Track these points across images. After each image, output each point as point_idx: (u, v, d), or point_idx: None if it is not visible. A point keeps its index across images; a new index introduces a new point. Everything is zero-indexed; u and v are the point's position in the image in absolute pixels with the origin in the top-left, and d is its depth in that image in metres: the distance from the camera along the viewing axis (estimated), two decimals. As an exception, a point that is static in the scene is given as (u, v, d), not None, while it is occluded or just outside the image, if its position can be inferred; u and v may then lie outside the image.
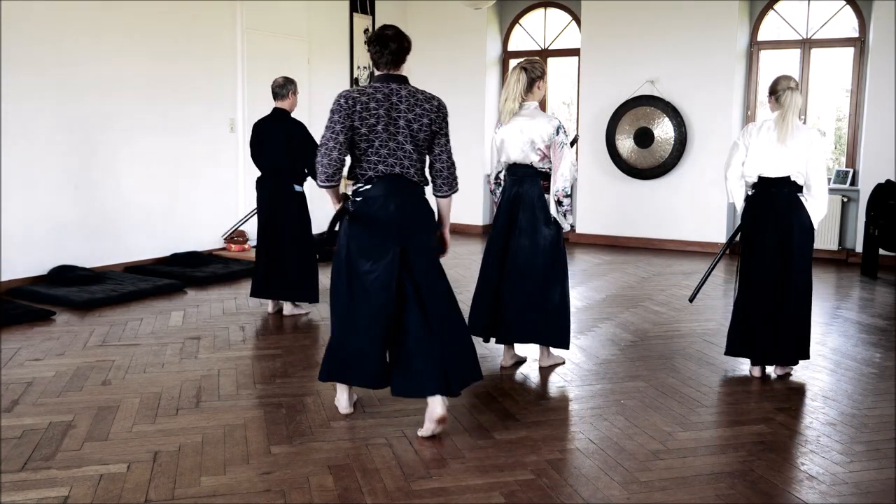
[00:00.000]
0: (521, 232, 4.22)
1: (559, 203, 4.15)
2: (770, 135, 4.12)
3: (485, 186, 9.79)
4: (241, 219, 5.51)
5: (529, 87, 4.14)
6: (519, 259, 4.23)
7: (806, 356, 4.23)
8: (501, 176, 4.35)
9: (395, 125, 3.29)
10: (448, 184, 3.49)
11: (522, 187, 4.21)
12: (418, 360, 3.36)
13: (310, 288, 5.44)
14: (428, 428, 3.38)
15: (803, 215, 4.12)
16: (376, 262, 3.33)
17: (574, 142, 4.34)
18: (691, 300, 4.75)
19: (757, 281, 4.21)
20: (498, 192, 4.38)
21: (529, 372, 4.36)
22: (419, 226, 3.39)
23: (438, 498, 2.84)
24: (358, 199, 3.39)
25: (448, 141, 3.44)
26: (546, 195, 4.20)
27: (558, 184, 4.12)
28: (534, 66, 4.15)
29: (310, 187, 5.53)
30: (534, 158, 4.16)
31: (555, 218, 4.19)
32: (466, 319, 4.40)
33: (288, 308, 5.55)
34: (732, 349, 4.33)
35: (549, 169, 4.18)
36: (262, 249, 5.47)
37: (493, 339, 4.41)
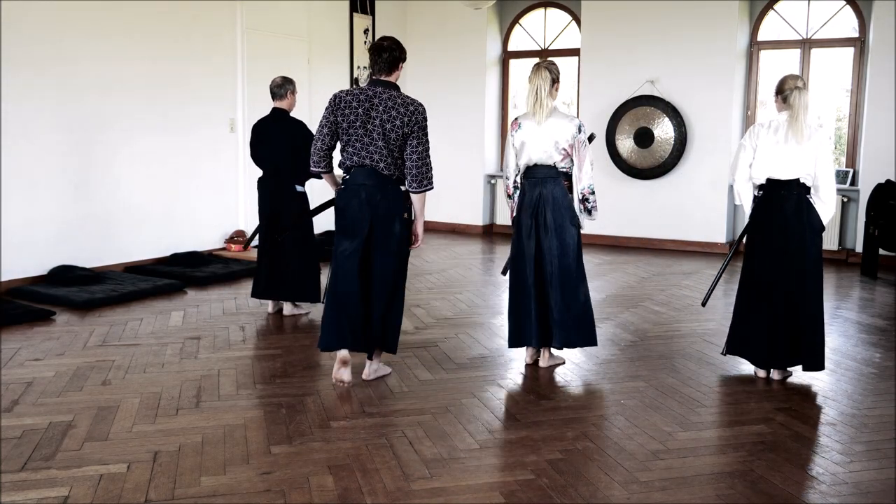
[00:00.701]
0: (549, 232, 4.22)
1: (585, 200, 4.20)
2: (778, 136, 4.07)
3: (485, 186, 9.79)
4: (258, 226, 5.53)
5: (550, 88, 4.19)
6: (553, 260, 4.23)
7: (821, 364, 4.17)
8: (518, 179, 4.34)
9: (372, 123, 3.79)
10: (416, 181, 3.87)
11: (546, 188, 4.21)
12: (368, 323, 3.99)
13: (312, 288, 5.44)
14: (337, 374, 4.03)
15: (813, 217, 4.08)
16: (350, 241, 3.89)
17: (590, 140, 4.35)
18: (704, 304, 4.72)
19: (763, 283, 4.17)
20: (516, 196, 4.36)
21: (529, 372, 4.36)
22: (385, 213, 3.88)
23: (438, 498, 2.84)
24: (342, 186, 3.96)
25: (420, 143, 3.83)
26: (569, 194, 4.23)
27: (583, 182, 4.18)
28: (553, 67, 4.22)
29: (311, 186, 5.53)
30: (556, 158, 4.19)
31: (577, 216, 4.24)
32: (506, 334, 4.50)
33: (288, 308, 5.55)
34: (732, 349, 4.33)
35: (570, 168, 4.21)
36: (264, 250, 5.47)
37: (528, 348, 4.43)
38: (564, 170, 4.22)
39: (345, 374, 3.99)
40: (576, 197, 4.21)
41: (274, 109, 5.37)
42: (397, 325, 4.08)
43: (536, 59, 9.58)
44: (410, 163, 3.83)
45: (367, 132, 3.79)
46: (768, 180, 4.13)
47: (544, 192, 4.22)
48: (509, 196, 4.40)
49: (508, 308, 4.42)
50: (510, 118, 9.97)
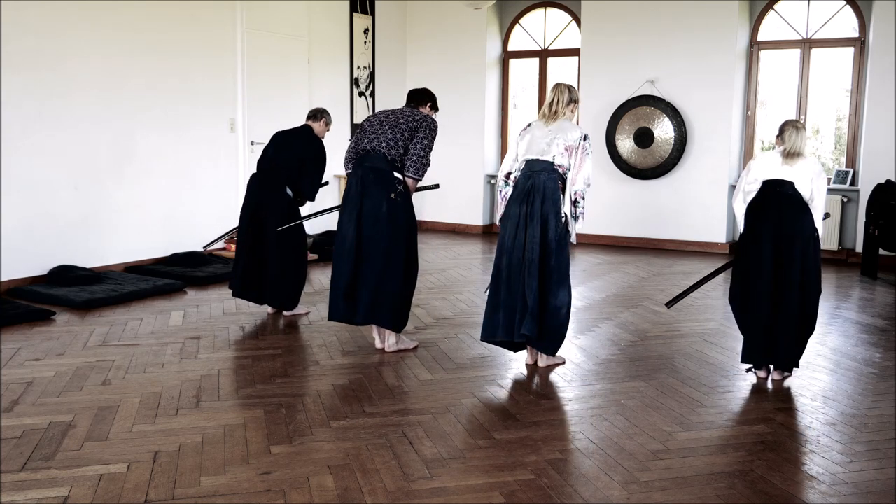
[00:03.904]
0: (534, 220, 4.20)
1: (575, 203, 4.24)
2: (775, 157, 4.21)
3: (485, 187, 9.79)
4: (224, 232, 5.51)
5: (567, 101, 4.34)
6: (534, 247, 4.20)
7: (795, 363, 4.16)
8: (513, 176, 4.37)
9: (387, 122, 4.60)
10: (414, 167, 4.54)
11: (539, 178, 4.24)
12: (359, 294, 4.49)
13: (291, 294, 5.37)
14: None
15: (808, 216, 4.11)
16: (346, 215, 4.54)
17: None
18: (668, 306, 4.71)
19: (761, 282, 4.16)
20: (506, 189, 4.40)
21: (529, 372, 4.36)
22: (374, 191, 4.47)
23: (438, 498, 2.84)
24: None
25: (423, 138, 4.53)
26: (560, 189, 4.25)
27: (577, 184, 4.23)
28: (574, 90, 4.40)
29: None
30: (555, 152, 4.24)
31: (565, 216, 4.22)
32: (481, 326, 4.49)
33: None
34: (750, 357, 4.20)
35: (566, 168, 4.24)
36: (243, 248, 5.39)
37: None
38: (561, 169, 4.24)
39: (373, 341, 4.71)
40: (567, 196, 4.23)
41: (304, 125, 5.51)
42: (397, 301, 4.49)
43: (536, 59, 9.63)
44: (413, 151, 4.53)
45: (381, 126, 4.58)
46: (765, 182, 4.18)
47: (537, 181, 4.24)
48: (499, 188, 4.46)
49: (493, 299, 4.35)
50: (510, 118, 9.99)
